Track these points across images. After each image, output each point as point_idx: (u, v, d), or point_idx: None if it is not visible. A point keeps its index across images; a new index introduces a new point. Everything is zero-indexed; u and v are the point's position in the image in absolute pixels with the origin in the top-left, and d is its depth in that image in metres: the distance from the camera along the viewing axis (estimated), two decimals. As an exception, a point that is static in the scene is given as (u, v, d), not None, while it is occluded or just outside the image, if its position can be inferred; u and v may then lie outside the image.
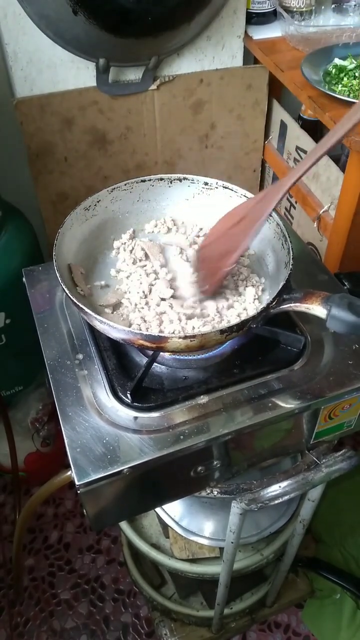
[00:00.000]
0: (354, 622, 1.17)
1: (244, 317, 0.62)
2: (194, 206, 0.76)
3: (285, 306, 0.58)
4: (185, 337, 0.54)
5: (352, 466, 0.69)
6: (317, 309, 0.55)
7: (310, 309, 0.56)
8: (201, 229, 0.76)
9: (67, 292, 0.58)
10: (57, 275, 0.60)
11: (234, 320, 0.62)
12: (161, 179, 0.75)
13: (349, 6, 1.29)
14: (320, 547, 1.30)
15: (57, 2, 1.00)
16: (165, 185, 0.75)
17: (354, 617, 1.17)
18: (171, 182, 0.75)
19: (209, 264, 0.66)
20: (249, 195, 0.70)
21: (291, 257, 0.61)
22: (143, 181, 0.74)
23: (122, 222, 0.75)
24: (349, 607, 1.18)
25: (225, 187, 0.73)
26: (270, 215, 0.66)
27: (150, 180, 0.74)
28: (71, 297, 0.58)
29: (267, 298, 0.65)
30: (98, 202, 0.72)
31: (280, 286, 0.58)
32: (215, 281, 0.64)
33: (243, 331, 0.57)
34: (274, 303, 0.57)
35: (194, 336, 0.54)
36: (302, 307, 0.57)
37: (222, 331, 0.55)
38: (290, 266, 0.60)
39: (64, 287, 0.59)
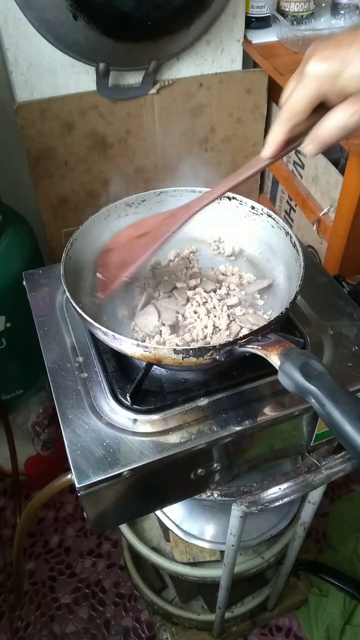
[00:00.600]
0: (350, 625, 1.17)
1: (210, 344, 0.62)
2: (237, 227, 0.76)
3: (249, 347, 0.55)
4: (138, 346, 0.54)
5: (352, 468, 0.69)
6: (273, 359, 0.52)
7: (267, 357, 0.53)
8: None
9: (68, 294, 0.59)
10: (62, 264, 0.62)
11: (196, 344, 0.62)
12: None
13: (346, 9, 1.29)
14: (327, 553, 1.30)
15: (57, 7, 1.00)
16: (214, 201, 0.75)
17: (349, 619, 1.18)
18: (220, 199, 0.75)
19: (108, 270, 0.65)
20: (287, 228, 0.69)
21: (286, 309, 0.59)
22: (193, 191, 0.75)
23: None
24: (344, 607, 1.18)
25: (269, 216, 0.72)
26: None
27: (200, 192, 0.74)
28: (71, 300, 0.59)
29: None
30: (143, 201, 0.74)
31: (256, 329, 0.56)
32: (110, 289, 0.64)
33: (205, 359, 0.55)
34: (243, 341, 0.55)
35: (146, 347, 0.54)
36: (261, 352, 0.54)
37: (176, 351, 0.54)
38: (279, 313, 0.58)
39: (65, 287, 0.59)
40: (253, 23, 1.27)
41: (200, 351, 0.54)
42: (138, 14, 1.01)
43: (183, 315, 0.65)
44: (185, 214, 0.62)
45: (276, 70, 1.18)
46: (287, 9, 1.28)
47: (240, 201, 0.74)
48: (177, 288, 0.69)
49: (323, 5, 1.36)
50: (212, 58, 1.26)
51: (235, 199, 0.74)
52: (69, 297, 0.59)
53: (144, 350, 0.55)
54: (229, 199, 0.75)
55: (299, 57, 1.19)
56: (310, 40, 1.19)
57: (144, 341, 0.63)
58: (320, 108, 0.47)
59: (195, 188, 0.75)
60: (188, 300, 0.67)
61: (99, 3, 0.99)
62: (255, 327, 0.59)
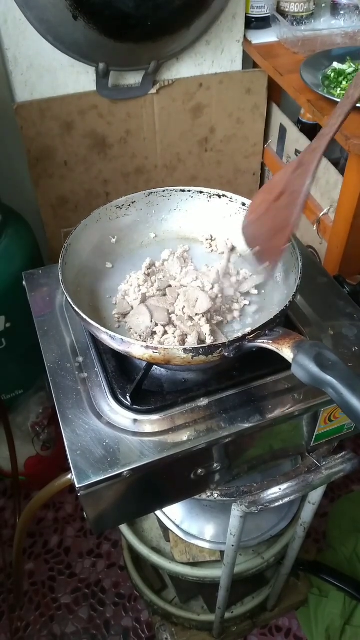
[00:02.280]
0: (350, 625, 1.17)
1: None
2: (229, 225, 0.76)
3: (259, 341, 0.56)
4: (148, 348, 0.54)
5: (353, 469, 0.69)
6: (285, 352, 0.53)
7: (279, 350, 0.54)
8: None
9: (71, 301, 0.59)
10: (59, 271, 0.61)
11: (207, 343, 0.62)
12: (201, 192, 0.75)
13: (345, 10, 1.29)
14: (326, 553, 1.30)
15: (57, 8, 1.00)
16: (204, 199, 0.76)
17: (349, 619, 1.17)
18: (210, 197, 0.75)
19: (263, 241, 0.65)
20: None
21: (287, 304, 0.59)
22: (182, 191, 0.75)
23: (155, 227, 0.76)
24: (344, 608, 1.18)
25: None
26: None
27: (189, 190, 0.75)
28: (74, 306, 0.59)
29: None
30: (133, 202, 0.74)
31: (263, 323, 0.56)
32: (275, 259, 0.64)
33: (214, 356, 0.55)
34: (251, 336, 0.55)
35: (156, 348, 0.54)
36: (273, 346, 0.54)
37: (186, 350, 0.54)
38: (284, 306, 0.59)
39: (62, 284, 0.60)
40: (253, 23, 1.27)
41: (210, 349, 0.54)
42: (138, 14, 1.01)
43: (175, 314, 0.66)
44: (312, 159, 0.59)
45: (276, 70, 1.18)
46: (287, 10, 1.28)
47: (231, 198, 0.75)
48: (171, 286, 0.69)
49: (323, 5, 1.36)
50: (212, 58, 1.26)
51: (226, 196, 0.75)
52: (72, 304, 0.58)
53: (154, 352, 0.54)
54: (219, 196, 0.75)
55: (299, 57, 1.20)
56: (310, 41, 1.20)
57: (146, 341, 0.63)
58: None
59: (185, 187, 0.75)
60: (177, 297, 0.67)
61: (98, 3, 0.99)
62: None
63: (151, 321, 0.64)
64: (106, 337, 0.56)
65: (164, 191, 0.75)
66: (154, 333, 0.64)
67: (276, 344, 0.54)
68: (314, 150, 0.59)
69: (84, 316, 0.57)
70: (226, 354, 0.55)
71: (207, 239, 0.77)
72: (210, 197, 0.75)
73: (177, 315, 0.65)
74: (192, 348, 0.54)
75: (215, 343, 0.54)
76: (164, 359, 0.55)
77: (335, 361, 0.49)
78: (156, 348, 0.54)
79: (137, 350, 0.55)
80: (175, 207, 0.77)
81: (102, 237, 0.73)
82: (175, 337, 0.63)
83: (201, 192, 0.75)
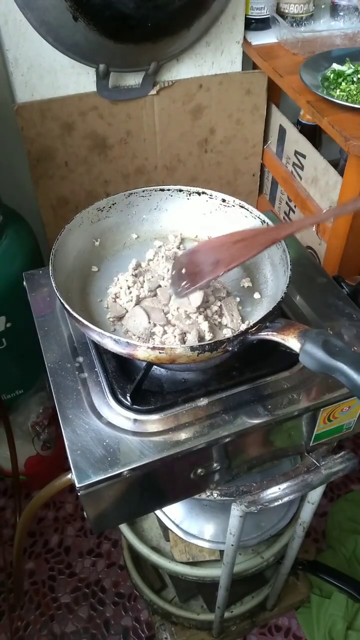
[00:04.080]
0: (352, 630, 1.17)
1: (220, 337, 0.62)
2: (209, 222, 0.76)
3: (263, 334, 0.57)
4: (154, 349, 0.54)
5: (352, 468, 0.70)
6: (291, 342, 0.54)
7: (285, 341, 0.54)
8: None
9: (70, 309, 0.59)
10: (52, 278, 0.62)
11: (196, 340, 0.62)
12: (180, 191, 0.75)
13: (345, 11, 1.30)
14: (326, 553, 1.30)
15: (57, 9, 1.01)
16: (183, 197, 0.76)
17: (352, 623, 1.17)
18: (190, 195, 0.75)
19: (197, 266, 0.66)
20: (263, 217, 0.70)
21: (284, 290, 0.60)
22: (162, 190, 0.75)
23: (136, 227, 0.76)
24: (347, 610, 1.18)
25: (242, 207, 0.73)
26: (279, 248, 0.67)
27: (169, 190, 0.75)
28: (75, 314, 0.59)
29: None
30: (113, 204, 0.73)
31: (263, 315, 0.57)
32: (201, 283, 0.64)
33: (218, 352, 0.56)
34: (254, 329, 0.56)
35: (162, 349, 0.54)
36: (278, 337, 0.55)
37: (192, 348, 0.54)
38: (280, 297, 0.60)
39: (56, 291, 0.60)
40: (253, 24, 1.28)
41: (215, 345, 0.54)
42: (138, 15, 1.02)
43: (171, 313, 0.66)
44: (289, 228, 0.65)
45: (275, 71, 1.18)
46: (286, 11, 1.29)
47: (210, 195, 0.75)
48: (161, 287, 0.69)
49: (322, 6, 1.37)
50: (211, 59, 1.27)
51: (205, 193, 0.75)
52: (72, 312, 0.58)
53: (160, 353, 0.55)
54: (198, 194, 0.75)
55: (299, 58, 1.20)
56: (310, 42, 1.20)
57: (146, 342, 0.63)
58: None
59: (164, 186, 0.75)
60: (170, 296, 0.68)
61: (99, 4, 0.99)
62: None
63: (149, 322, 0.64)
64: (110, 341, 0.56)
65: (143, 191, 0.75)
66: (152, 334, 0.64)
67: (281, 334, 0.55)
68: (292, 225, 0.65)
69: (86, 322, 0.57)
70: (230, 348, 0.55)
71: (191, 237, 0.77)
72: (189, 194, 0.75)
73: (173, 315, 0.65)
74: (198, 345, 0.54)
75: (219, 339, 0.55)
76: (170, 358, 0.55)
77: (343, 347, 0.50)
78: (162, 349, 0.54)
79: (142, 352, 0.55)
80: (155, 206, 0.77)
81: (86, 241, 0.73)
82: (175, 336, 0.63)
83: (180, 190, 0.76)
